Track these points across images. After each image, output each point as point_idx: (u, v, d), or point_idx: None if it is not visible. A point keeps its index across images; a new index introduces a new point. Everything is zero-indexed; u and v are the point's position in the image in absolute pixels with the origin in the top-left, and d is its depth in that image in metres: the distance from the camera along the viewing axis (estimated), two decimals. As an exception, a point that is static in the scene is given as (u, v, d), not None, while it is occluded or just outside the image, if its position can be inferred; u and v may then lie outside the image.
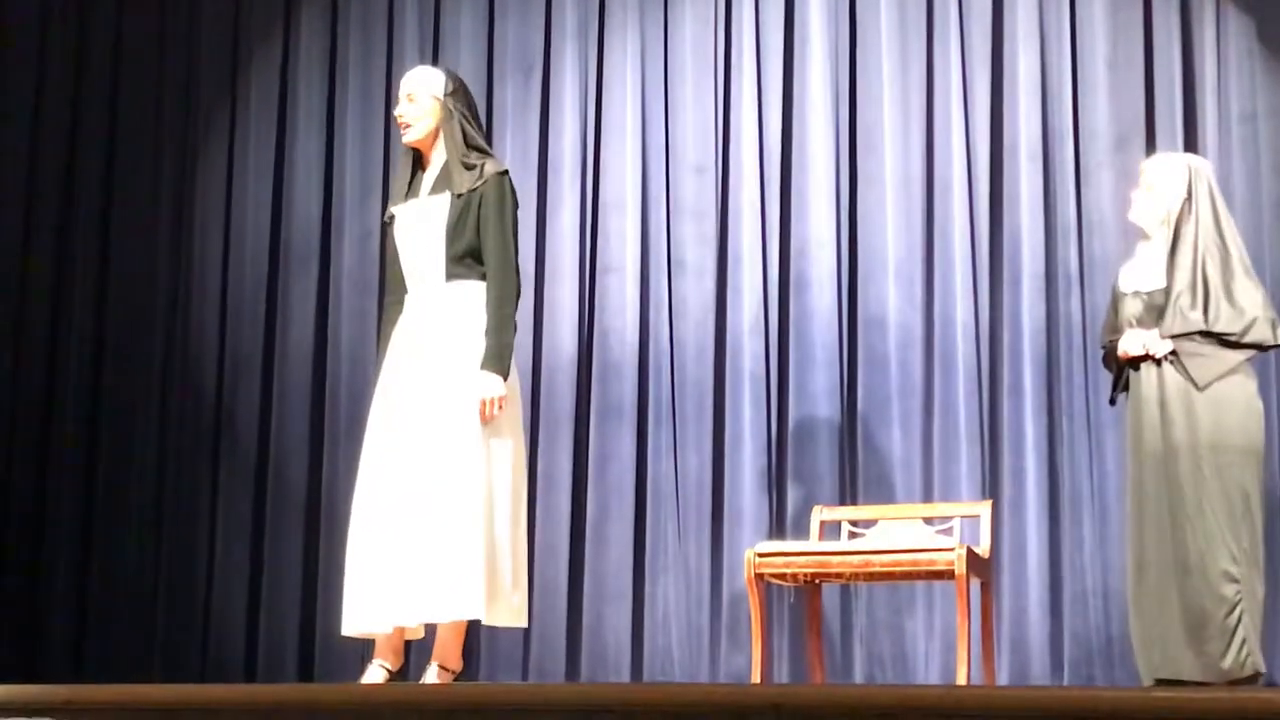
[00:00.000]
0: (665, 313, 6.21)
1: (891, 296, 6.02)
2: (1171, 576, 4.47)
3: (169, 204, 6.88)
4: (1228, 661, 4.38)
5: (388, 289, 4.72)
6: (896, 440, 5.94)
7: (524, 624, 4.54)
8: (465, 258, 4.50)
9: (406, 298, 4.59)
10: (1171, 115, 5.86)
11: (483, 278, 4.49)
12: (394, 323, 4.61)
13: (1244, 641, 4.39)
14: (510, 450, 4.48)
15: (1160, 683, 4.47)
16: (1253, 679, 4.38)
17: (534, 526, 6.09)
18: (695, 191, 6.27)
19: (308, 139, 6.74)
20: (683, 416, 6.13)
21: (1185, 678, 4.42)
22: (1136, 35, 5.92)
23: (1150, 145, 5.76)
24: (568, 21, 6.48)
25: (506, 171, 4.59)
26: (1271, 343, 4.62)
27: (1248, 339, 4.57)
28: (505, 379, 4.43)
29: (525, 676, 6.02)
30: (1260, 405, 4.62)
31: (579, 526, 6.13)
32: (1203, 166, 4.83)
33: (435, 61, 6.50)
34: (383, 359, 4.61)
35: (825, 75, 6.17)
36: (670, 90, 6.33)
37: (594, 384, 6.22)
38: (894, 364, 5.98)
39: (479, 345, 4.44)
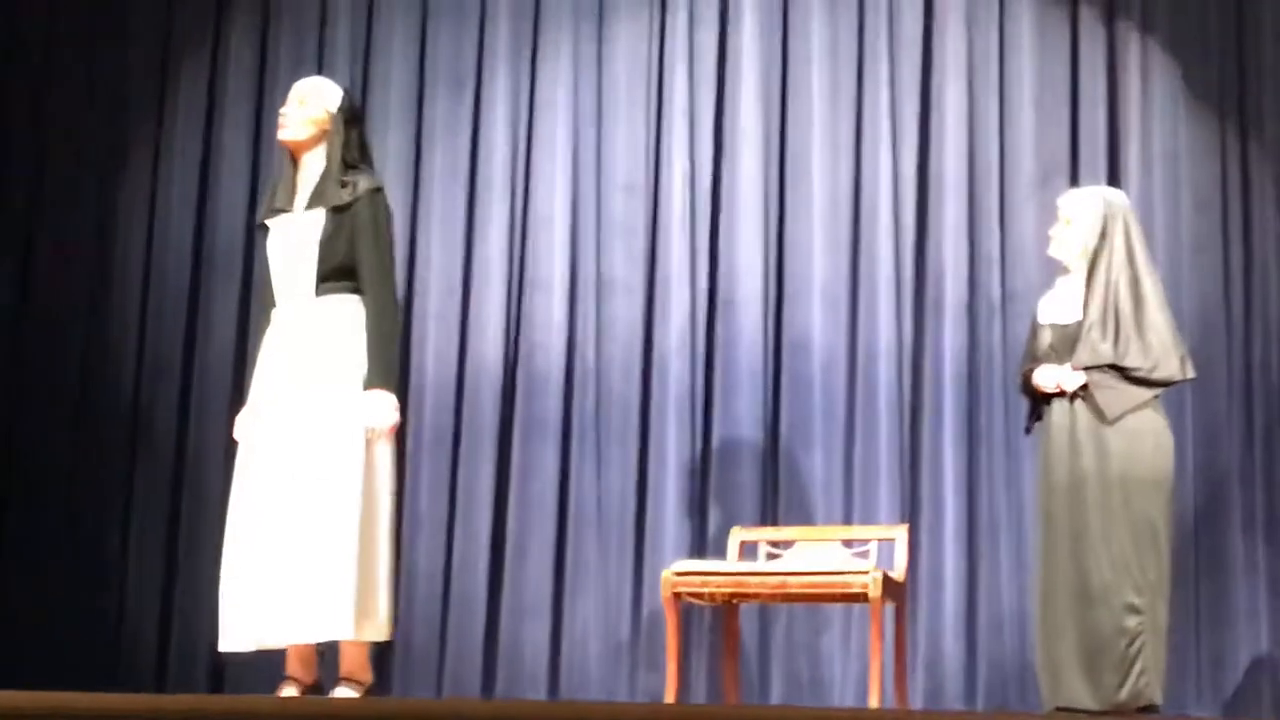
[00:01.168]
0: (592, 330, 6.22)
1: (817, 321, 6.07)
2: (1076, 605, 4.51)
3: (92, 210, 6.76)
4: (1124, 692, 4.41)
5: (259, 301, 4.69)
6: (818, 463, 5.98)
7: (390, 637, 4.53)
8: (337, 273, 4.46)
9: (274, 312, 4.55)
10: (1095, 152, 5.96)
11: (352, 292, 4.47)
12: (262, 333, 4.59)
13: (1142, 672, 4.43)
14: (389, 468, 4.48)
15: (1060, 710, 4.51)
16: (1148, 709, 4.42)
17: (452, 540, 6.10)
18: (625, 210, 6.28)
19: (235, 148, 6.67)
20: (607, 434, 6.13)
21: (1083, 706, 4.45)
22: (1063, 73, 6.02)
23: (1074, 181, 5.84)
24: (501, 37, 6.47)
25: (381, 188, 4.57)
26: (1179, 378, 4.67)
27: (1155, 375, 4.62)
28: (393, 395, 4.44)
29: (440, 691, 5.99)
30: (1170, 439, 4.67)
31: (499, 541, 6.11)
32: (1118, 199, 4.88)
33: (366, 73, 6.52)
34: (254, 373, 4.59)
35: (757, 99, 6.21)
36: (603, 109, 6.34)
37: (519, 399, 6.21)
38: (818, 388, 6.03)
39: (352, 359, 4.42)
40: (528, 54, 6.44)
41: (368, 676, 4.48)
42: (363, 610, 4.32)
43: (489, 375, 6.25)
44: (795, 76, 6.21)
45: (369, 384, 4.41)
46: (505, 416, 6.21)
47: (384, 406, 4.40)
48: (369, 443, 4.40)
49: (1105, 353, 4.62)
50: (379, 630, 4.41)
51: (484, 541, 6.10)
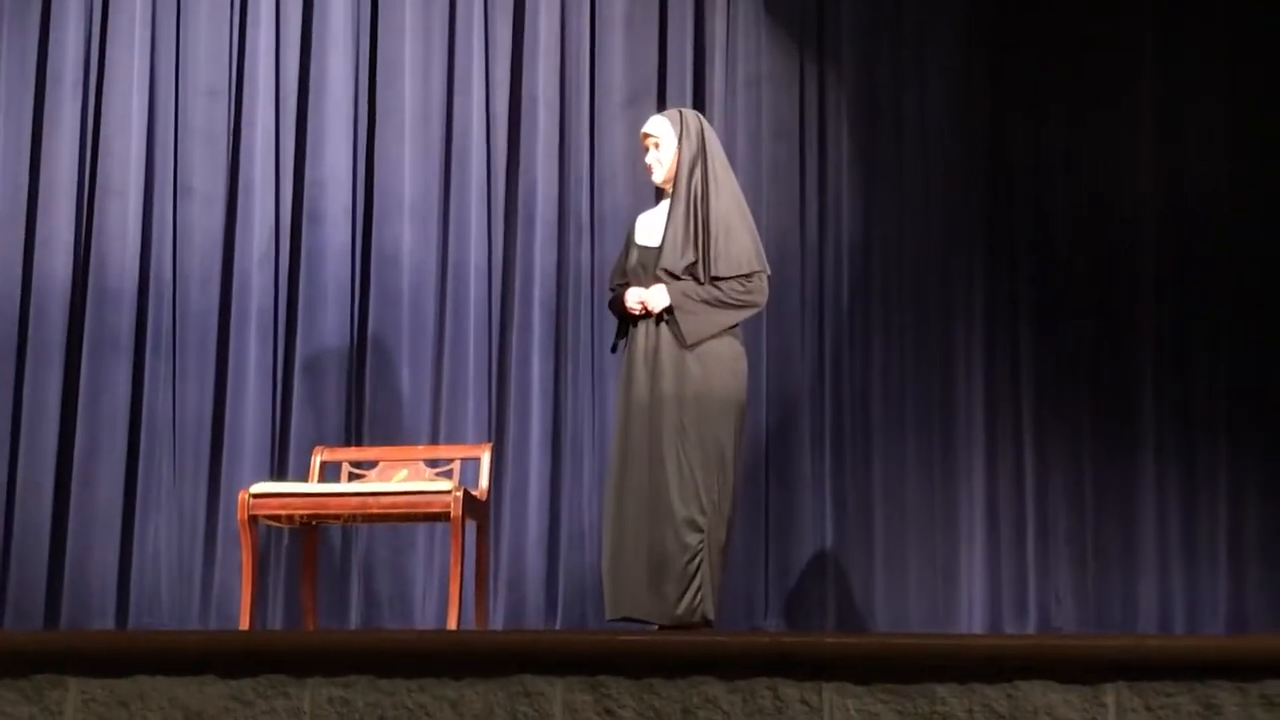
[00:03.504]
0: (169, 240, 5.96)
1: (406, 235, 5.99)
2: (645, 521, 4.62)
3: None
4: (681, 607, 4.56)
5: None
6: (405, 380, 5.93)
7: None
8: None
9: None
10: (682, 76, 6.08)
11: None
12: None
13: (699, 588, 4.58)
14: None
15: (622, 620, 4.63)
16: (703, 624, 4.58)
17: (16, 461, 5.77)
18: (206, 116, 6.02)
19: None
20: (184, 349, 5.91)
21: (642, 617, 4.59)
22: (653, -5, 6.09)
23: (661, 103, 5.94)
24: (74, -74, 6.06)
25: None
26: (755, 269, 4.73)
27: (725, 274, 4.67)
28: None
29: (1, 620, 5.68)
30: (745, 366, 4.80)
31: (66, 462, 5.81)
32: (694, 118, 4.93)
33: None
34: None
35: (347, 5, 6.04)
36: (183, 8, 6.04)
37: (89, 312, 5.89)
38: (406, 303, 5.97)
39: None
40: (104, -55, 6.06)
41: None
42: None
43: (57, 286, 5.90)
44: (387, -18, 6.07)
45: None
46: (74, 330, 5.89)
47: None
48: None
49: (685, 261, 4.68)
50: None
51: (49, 462, 5.80)
